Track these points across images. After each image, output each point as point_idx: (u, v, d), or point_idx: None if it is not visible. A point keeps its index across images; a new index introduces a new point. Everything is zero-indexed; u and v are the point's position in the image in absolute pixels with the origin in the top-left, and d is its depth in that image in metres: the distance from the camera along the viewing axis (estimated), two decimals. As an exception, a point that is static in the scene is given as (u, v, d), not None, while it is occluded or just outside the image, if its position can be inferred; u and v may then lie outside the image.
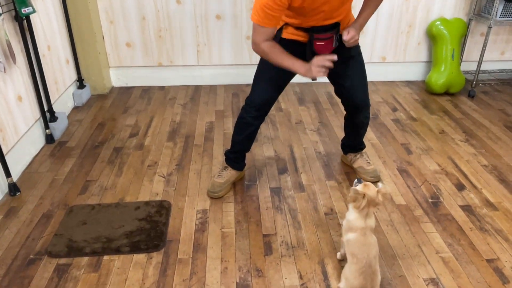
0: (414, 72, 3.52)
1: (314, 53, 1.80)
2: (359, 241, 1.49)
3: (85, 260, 1.70)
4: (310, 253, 1.74)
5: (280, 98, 3.17)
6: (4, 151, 2.08)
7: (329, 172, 2.28)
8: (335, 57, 1.73)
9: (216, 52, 3.34)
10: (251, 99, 1.97)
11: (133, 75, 3.39)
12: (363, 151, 2.32)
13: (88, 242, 1.78)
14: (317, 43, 1.79)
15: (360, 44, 1.95)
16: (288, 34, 1.85)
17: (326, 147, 2.52)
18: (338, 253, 1.71)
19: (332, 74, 1.97)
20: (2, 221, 1.92)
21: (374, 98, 3.18)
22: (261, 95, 1.95)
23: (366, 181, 2.17)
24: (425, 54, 3.44)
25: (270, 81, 1.93)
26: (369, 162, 2.25)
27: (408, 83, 3.50)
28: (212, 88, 3.38)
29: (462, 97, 3.23)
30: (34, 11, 2.24)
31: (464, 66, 3.45)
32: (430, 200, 2.06)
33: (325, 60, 1.72)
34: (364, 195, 1.47)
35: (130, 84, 3.43)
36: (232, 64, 3.39)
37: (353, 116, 2.11)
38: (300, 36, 1.84)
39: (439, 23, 3.21)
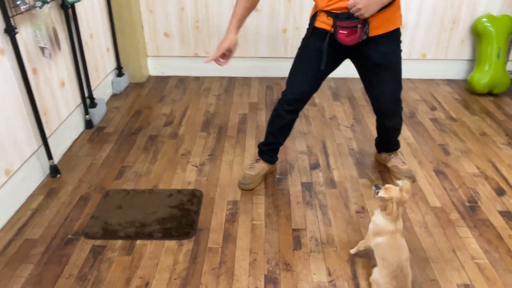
0: (456, 71, 3.39)
1: (338, 44, 1.72)
2: (390, 245, 1.46)
3: (119, 243, 1.76)
4: (339, 251, 1.72)
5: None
6: (47, 134, 2.17)
7: (362, 169, 2.24)
8: (224, 63, 1.77)
9: (252, 44, 3.34)
10: (285, 93, 1.96)
11: (169, 65, 3.45)
12: (398, 150, 2.26)
13: (122, 226, 1.84)
14: (340, 31, 1.66)
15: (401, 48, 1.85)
16: (319, 22, 1.77)
17: (359, 144, 2.48)
18: (353, 249, 1.68)
19: (362, 78, 1.94)
20: (43, 201, 2.01)
21: (411, 96, 3.09)
22: (294, 90, 1.93)
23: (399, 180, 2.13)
24: (468, 52, 3.31)
25: (305, 76, 1.90)
26: (404, 162, 2.20)
27: (449, 81, 3.38)
28: (246, 80, 3.39)
29: (506, 98, 3.09)
30: (79, 0, 2.31)
31: (510, 66, 3.29)
32: (467, 204, 1.99)
33: (217, 56, 1.76)
34: (391, 199, 1.44)
35: (166, 74, 3.49)
36: (268, 56, 3.38)
37: (382, 121, 2.07)
38: (328, 25, 1.74)
39: (485, 20, 3.07)
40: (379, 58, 1.78)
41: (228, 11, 3.19)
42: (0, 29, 1.80)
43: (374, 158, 2.33)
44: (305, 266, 1.65)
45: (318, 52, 1.78)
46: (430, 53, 3.32)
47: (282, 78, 3.37)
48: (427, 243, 1.76)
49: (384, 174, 2.20)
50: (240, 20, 1.80)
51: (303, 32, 1.91)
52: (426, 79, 3.39)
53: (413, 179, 2.14)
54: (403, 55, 1.87)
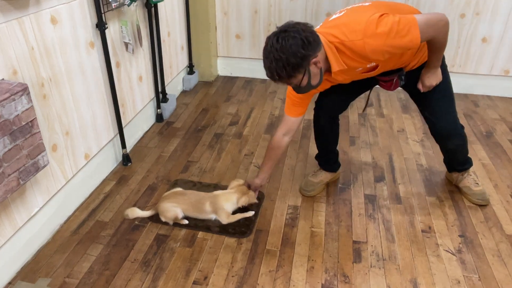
0: (542, 90, 3.12)
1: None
2: None
3: (181, 234, 1.82)
4: (402, 269, 1.65)
5: (382, 103, 3.05)
6: (123, 124, 2.31)
7: (431, 187, 2.13)
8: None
9: (322, 50, 3.31)
10: (317, 103, 1.96)
11: (238, 66, 3.52)
12: (472, 170, 2.13)
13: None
14: (381, 82, 1.76)
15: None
16: None
17: (429, 160, 2.36)
18: None
19: (414, 101, 1.91)
20: (114, 186, 2.14)
21: (489, 114, 2.89)
22: (329, 110, 1.93)
23: (473, 203, 2.00)
24: (559, 71, 3.03)
25: (341, 99, 1.90)
26: (477, 183, 2.06)
27: (533, 101, 3.12)
28: (313, 86, 3.36)
29: None
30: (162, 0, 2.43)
31: None
32: (548, 236, 1.82)
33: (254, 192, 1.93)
34: None
35: (234, 74, 3.56)
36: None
37: (440, 143, 1.96)
38: None
39: None
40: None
41: (301, 16, 3.20)
42: (92, 24, 1.94)
43: (445, 177, 2.21)
44: (364, 280, 1.60)
45: (355, 83, 1.77)
46: (514, 70, 3.09)
47: (350, 86, 3.31)
48: (499, 273, 1.64)
49: (455, 195, 2.08)
50: (271, 168, 1.93)
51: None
52: (507, 97, 3.16)
53: (486, 203, 2.01)
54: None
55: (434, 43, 1.55)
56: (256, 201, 1.94)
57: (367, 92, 1.93)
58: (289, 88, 1.69)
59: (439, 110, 1.82)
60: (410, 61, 1.70)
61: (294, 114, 1.78)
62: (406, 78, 1.74)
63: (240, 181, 1.95)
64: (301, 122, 1.88)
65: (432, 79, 1.71)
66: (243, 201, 1.87)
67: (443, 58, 1.75)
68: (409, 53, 1.64)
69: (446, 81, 1.77)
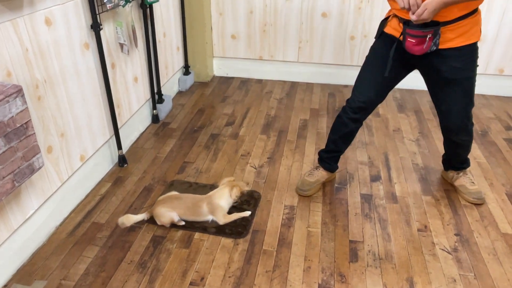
0: (536, 89, 3.14)
1: (405, 51, 1.67)
2: None
3: (178, 235, 1.82)
4: (398, 268, 1.66)
5: (378, 102, 3.05)
6: (119, 126, 2.30)
7: (426, 186, 2.14)
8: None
9: (318, 50, 3.31)
10: (350, 100, 1.93)
11: (234, 66, 3.52)
12: (467, 169, 2.14)
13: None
14: (408, 39, 1.61)
15: (477, 63, 1.74)
16: (389, 28, 1.76)
17: (425, 159, 2.37)
18: None
19: (430, 91, 1.87)
20: (110, 188, 2.13)
21: (484, 113, 2.91)
22: (360, 98, 1.89)
23: (468, 202, 2.01)
24: (553, 69, 3.05)
25: (371, 83, 1.86)
26: (473, 182, 2.07)
27: (527, 100, 3.14)
28: (309, 86, 3.37)
29: None
30: (157, 0, 2.42)
31: None
32: (543, 234, 1.83)
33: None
34: None
35: (230, 75, 3.56)
36: (332, 63, 3.34)
37: (449, 137, 1.97)
38: (398, 31, 1.71)
39: None
40: (450, 73, 1.70)
41: (296, 16, 3.20)
42: (87, 25, 1.94)
43: (441, 176, 2.22)
44: (361, 279, 1.61)
45: (385, 59, 1.74)
46: (508, 68, 3.10)
47: (346, 86, 3.31)
48: (495, 271, 1.64)
49: (451, 193, 2.09)
50: None
51: (371, 41, 1.87)
52: (501, 96, 3.18)
53: (482, 201, 2.02)
54: (478, 69, 1.76)
55: None
56: (247, 188, 1.97)
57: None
58: None
59: (457, 107, 1.80)
60: (455, 13, 1.54)
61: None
62: (430, 68, 1.70)
63: (230, 178, 1.98)
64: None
65: (427, 7, 1.48)
66: (235, 192, 1.89)
67: (476, 57, 1.69)
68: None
69: (472, 80, 1.75)
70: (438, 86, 1.79)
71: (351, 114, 1.93)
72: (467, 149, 2.02)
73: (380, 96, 1.91)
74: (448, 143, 2.03)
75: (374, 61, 1.84)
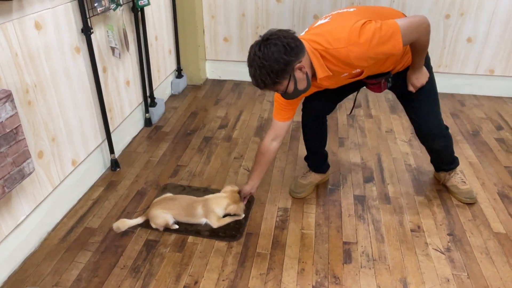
0: (527, 89, 3.17)
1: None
2: None
3: (171, 239, 1.81)
4: (391, 269, 1.66)
5: (371, 104, 3.07)
6: (111, 130, 2.29)
7: (419, 187, 2.15)
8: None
9: (310, 52, 3.32)
10: (305, 104, 1.96)
11: (226, 69, 3.52)
12: (459, 169, 2.15)
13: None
14: (369, 85, 1.77)
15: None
16: None
17: (417, 160, 2.38)
18: None
19: (402, 104, 1.93)
20: (103, 192, 2.12)
21: (476, 113, 2.93)
22: (314, 103, 1.93)
23: (461, 202, 2.02)
24: (542, 69, 3.09)
25: (324, 91, 1.88)
26: (464, 181, 2.09)
27: (518, 100, 3.17)
28: (302, 88, 3.37)
29: None
30: (149, 3, 2.42)
31: None
32: (535, 232, 1.85)
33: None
34: None
35: (223, 77, 3.56)
36: (324, 65, 3.35)
37: (425, 144, 1.99)
38: None
39: None
40: (406, 86, 1.78)
41: (288, 19, 3.21)
42: (77, 29, 1.93)
43: (433, 176, 2.23)
44: (355, 281, 1.61)
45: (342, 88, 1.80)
46: (499, 69, 3.13)
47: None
48: (487, 271, 1.65)
49: (443, 194, 2.10)
50: (261, 174, 1.90)
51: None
52: (492, 96, 3.21)
53: (474, 201, 2.03)
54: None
55: (417, 45, 1.56)
56: (242, 215, 1.91)
57: (355, 93, 1.94)
58: (276, 93, 1.69)
59: (424, 112, 1.84)
60: (396, 65, 1.72)
61: (282, 118, 1.79)
62: (393, 79, 1.75)
63: (235, 188, 1.91)
64: (289, 127, 1.87)
65: (421, 79, 1.72)
66: (231, 209, 1.86)
67: (429, 59, 1.77)
68: (393, 58, 1.65)
69: (431, 83, 1.79)
70: (402, 96, 1.87)
71: (314, 119, 1.98)
72: (448, 152, 2.04)
73: (336, 106, 1.99)
74: (429, 150, 2.05)
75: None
